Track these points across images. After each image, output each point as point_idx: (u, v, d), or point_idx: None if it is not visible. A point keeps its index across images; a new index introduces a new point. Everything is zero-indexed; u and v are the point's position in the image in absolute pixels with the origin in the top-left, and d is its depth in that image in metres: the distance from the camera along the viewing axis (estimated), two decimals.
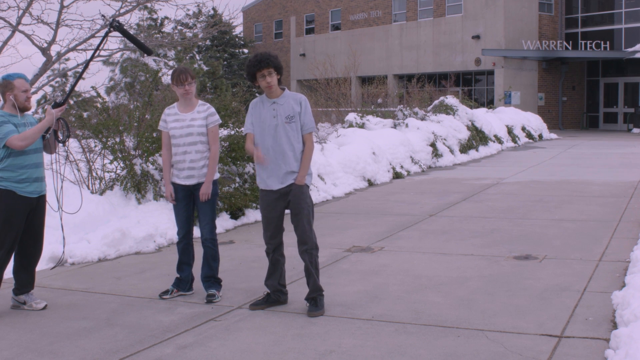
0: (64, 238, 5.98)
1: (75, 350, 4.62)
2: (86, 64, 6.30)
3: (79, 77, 6.06)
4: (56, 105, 5.52)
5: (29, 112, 5.73)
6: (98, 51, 6.67)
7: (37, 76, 13.27)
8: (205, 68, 33.22)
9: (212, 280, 5.81)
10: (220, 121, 5.98)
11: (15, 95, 5.40)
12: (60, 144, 5.83)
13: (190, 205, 5.85)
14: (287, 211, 5.44)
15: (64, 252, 6.19)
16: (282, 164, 5.29)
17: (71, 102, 16.82)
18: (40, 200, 5.56)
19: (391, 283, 6.13)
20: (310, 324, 5.05)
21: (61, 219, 5.86)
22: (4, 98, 5.50)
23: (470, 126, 19.42)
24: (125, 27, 5.97)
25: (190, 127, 5.72)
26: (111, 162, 9.39)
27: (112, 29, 5.87)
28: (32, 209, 5.48)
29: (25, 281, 5.60)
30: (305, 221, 5.31)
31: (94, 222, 8.02)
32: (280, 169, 5.30)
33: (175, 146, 5.76)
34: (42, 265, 6.33)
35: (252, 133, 5.40)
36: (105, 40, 6.13)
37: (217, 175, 5.85)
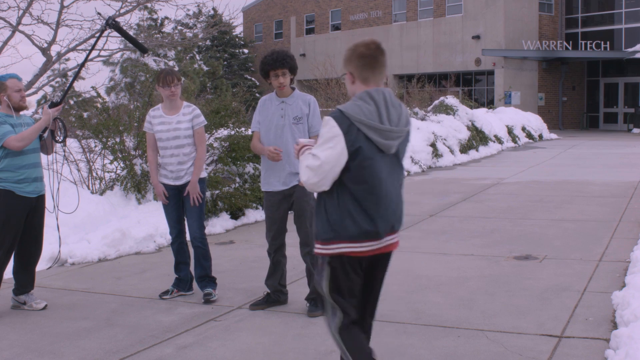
0: (59, 238, 5.97)
1: (75, 350, 4.62)
2: (82, 62, 6.29)
3: (75, 75, 6.05)
4: (53, 104, 5.51)
5: (27, 113, 5.72)
6: (94, 49, 6.68)
7: (37, 76, 13.25)
8: (205, 68, 33.24)
9: (206, 279, 5.78)
10: (206, 122, 5.93)
11: (9, 96, 5.40)
12: (58, 144, 5.82)
13: (180, 205, 5.81)
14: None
15: (59, 251, 6.17)
16: (287, 164, 5.26)
17: (71, 102, 16.82)
18: (39, 200, 5.56)
19: (391, 283, 6.11)
20: (311, 324, 5.05)
21: (57, 219, 5.86)
22: None
23: (471, 126, 19.42)
24: (122, 26, 5.96)
25: (177, 130, 5.67)
26: (111, 162, 9.40)
27: (108, 27, 5.87)
28: (31, 209, 5.48)
29: (25, 281, 5.60)
30: (308, 223, 5.28)
31: (94, 222, 8.02)
32: (284, 170, 5.28)
33: (162, 149, 5.72)
34: (41, 265, 6.33)
35: (258, 131, 5.40)
36: (102, 38, 6.14)
37: (204, 174, 5.84)
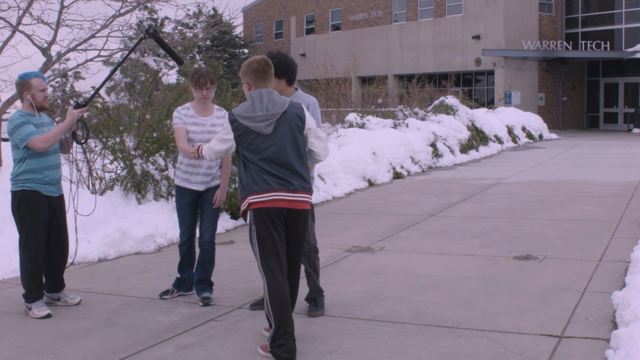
0: (77, 240, 5.99)
1: (75, 350, 4.62)
2: (114, 68, 6.31)
3: (105, 80, 6.04)
4: (77, 106, 5.52)
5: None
6: (129, 54, 6.71)
7: None
8: None
9: (205, 283, 5.76)
10: None
11: (33, 95, 5.39)
12: (79, 145, 5.85)
13: (197, 210, 5.82)
14: None
15: (76, 252, 6.18)
16: None
17: (71, 102, 16.81)
18: (61, 200, 5.62)
19: (391, 283, 6.13)
20: (310, 324, 5.05)
21: (75, 220, 5.88)
22: (21, 97, 5.48)
23: (471, 126, 19.42)
24: (160, 36, 5.89)
25: (211, 133, 5.61)
26: (111, 162, 9.39)
27: (147, 35, 5.82)
28: (54, 208, 5.50)
29: (56, 282, 5.66)
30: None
31: (94, 222, 8.00)
32: None
33: None
34: None
35: None
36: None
37: None
